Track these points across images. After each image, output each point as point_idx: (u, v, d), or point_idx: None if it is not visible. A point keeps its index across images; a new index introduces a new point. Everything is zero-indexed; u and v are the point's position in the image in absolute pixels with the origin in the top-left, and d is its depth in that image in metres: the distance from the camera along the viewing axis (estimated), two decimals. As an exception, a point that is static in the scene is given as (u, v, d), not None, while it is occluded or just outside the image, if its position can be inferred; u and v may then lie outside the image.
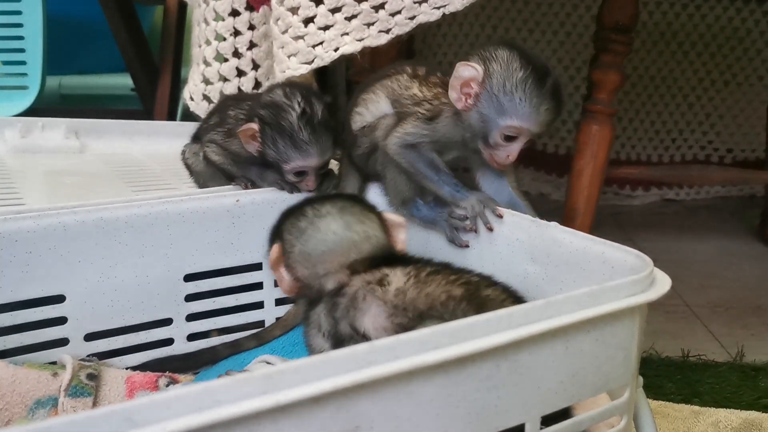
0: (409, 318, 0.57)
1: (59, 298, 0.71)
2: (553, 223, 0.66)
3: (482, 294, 0.59)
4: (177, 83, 1.58)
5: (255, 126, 0.80)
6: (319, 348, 0.63)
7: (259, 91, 0.99)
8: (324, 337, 0.63)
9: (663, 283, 0.51)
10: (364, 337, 0.59)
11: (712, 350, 1.13)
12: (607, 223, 1.88)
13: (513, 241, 0.69)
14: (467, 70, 0.70)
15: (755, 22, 1.98)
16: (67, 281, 0.71)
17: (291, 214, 0.67)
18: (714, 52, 2.02)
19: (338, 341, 0.62)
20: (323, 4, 0.99)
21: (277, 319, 0.83)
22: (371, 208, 0.68)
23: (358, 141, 0.81)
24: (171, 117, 1.55)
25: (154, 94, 1.55)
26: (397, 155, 0.74)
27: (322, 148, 0.80)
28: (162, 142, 1.14)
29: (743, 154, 2.09)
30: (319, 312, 0.64)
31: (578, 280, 0.62)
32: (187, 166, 0.92)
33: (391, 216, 0.68)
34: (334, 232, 0.64)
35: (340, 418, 0.39)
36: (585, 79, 2.04)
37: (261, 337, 0.81)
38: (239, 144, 0.82)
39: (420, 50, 2.01)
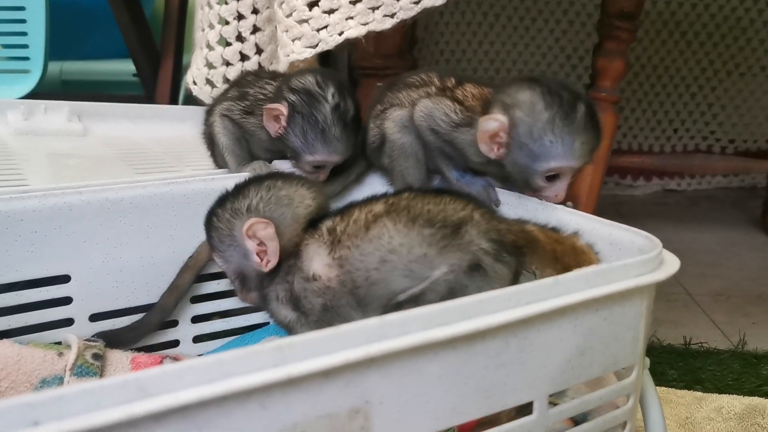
0: (348, 246, 0.61)
1: (64, 278, 0.71)
2: (560, 205, 0.66)
3: (402, 203, 0.61)
4: (179, 68, 1.57)
5: (283, 109, 0.78)
6: (285, 317, 0.65)
7: (286, 73, 0.96)
8: (283, 303, 0.64)
9: (671, 264, 0.51)
10: (314, 280, 0.62)
11: (713, 338, 1.13)
12: (608, 213, 1.86)
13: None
14: (491, 124, 0.68)
15: (759, 11, 1.97)
16: (72, 261, 0.71)
17: (248, 193, 0.67)
18: (717, 41, 2.01)
19: (295, 301, 0.64)
20: (328, -13, 0.99)
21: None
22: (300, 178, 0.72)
23: (370, 133, 0.80)
24: (173, 102, 1.54)
25: (156, 79, 1.55)
26: (421, 120, 0.73)
27: (348, 145, 0.79)
28: (164, 126, 1.14)
29: (745, 145, 2.08)
30: (275, 283, 0.65)
31: (585, 261, 0.62)
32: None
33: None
34: (313, 197, 0.67)
35: (350, 392, 0.39)
36: (587, 68, 2.04)
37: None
38: (256, 123, 0.81)
39: (422, 38, 2.00)
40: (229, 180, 0.78)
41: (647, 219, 1.85)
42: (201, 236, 0.76)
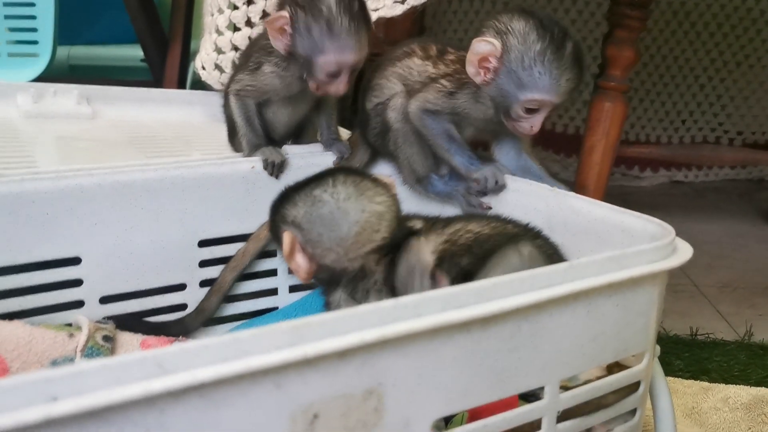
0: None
1: (75, 260, 0.71)
2: (572, 193, 0.66)
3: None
4: (187, 54, 1.57)
5: (286, 14, 0.74)
6: None
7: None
8: None
9: (684, 251, 0.51)
10: None
11: (720, 329, 1.13)
12: (615, 204, 1.87)
13: (531, 210, 0.69)
14: (484, 46, 0.69)
15: (769, 2, 1.96)
16: (83, 243, 0.71)
17: (297, 201, 0.65)
18: (726, 32, 2.00)
19: None
20: (337, -28, 0.98)
21: (291, 287, 0.84)
22: (371, 177, 0.68)
23: (372, 121, 0.80)
24: (181, 87, 1.54)
25: (164, 64, 1.54)
26: (416, 119, 0.74)
27: (360, 41, 0.74)
28: (173, 110, 1.14)
29: (753, 137, 2.07)
30: (339, 297, 0.64)
31: (596, 248, 0.62)
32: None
33: (382, 177, 0.69)
34: (362, 210, 0.63)
35: (364, 373, 0.39)
36: (596, 57, 2.03)
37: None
38: (270, 76, 0.79)
39: (430, 26, 1.99)
40: (239, 165, 0.78)
41: (654, 210, 1.82)
42: (212, 221, 0.77)
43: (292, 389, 0.37)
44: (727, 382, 0.94)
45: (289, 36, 0.75)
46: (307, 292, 0.84)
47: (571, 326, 0.47)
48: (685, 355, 1.02)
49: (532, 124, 0.70)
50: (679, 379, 0.93)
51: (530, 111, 0.70)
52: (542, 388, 0.47)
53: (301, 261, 0.65)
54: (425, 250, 0.60)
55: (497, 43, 0.68)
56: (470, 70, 0.70)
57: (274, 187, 0.78)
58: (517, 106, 0.69)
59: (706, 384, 0.90)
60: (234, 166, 0.78)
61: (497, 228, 0.63)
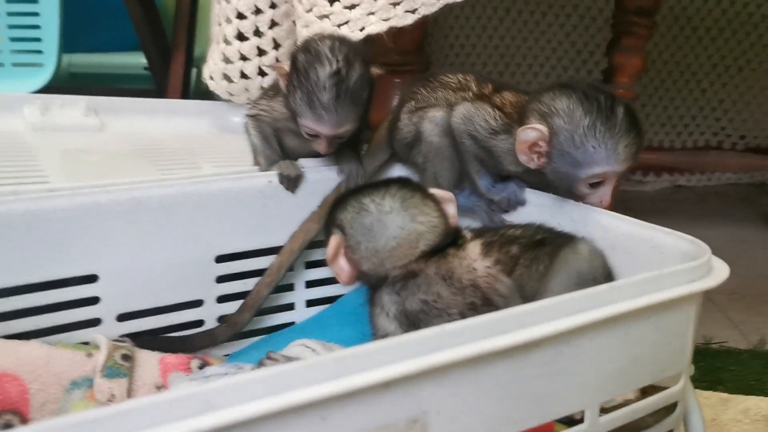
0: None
1: (92, 278, 0.70)
2: (598, 208, 0.65)
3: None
4: (190, 62, 1.56)
5: (285, 65, 0.76)
6: (383, 328, 0.62)
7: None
8: (388, 317, 0.62)
9: (721, 270, 0.50)
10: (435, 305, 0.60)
11: (732, 337, 1.13)
12: (617, 209, 1.86)
13: (554, 225, 0.68)
14: (530, 133, 0.66)
15: (771, 7, 1.96)
16: (99, 261, 0.70)
17: (348, 205, 0.65)
18: (728, 37, 2.00)
19: (407, 318, 0.61)
20: (349, -17, 0.97)
21: (307, 302, 0.83)
22: (425, 191, 0.66)
23: (404, 128, 0.78)
24: (184, 96, 1.53)
25: (167, 73, 1.53)
26: (458, 128, 0.72)
27: (340, 118, 0.74)
28: (180, 121, 1.13)
29: (756, 141, 2.07)
30: (383, 293, 0.63)
31: (624, 265, 0.61)
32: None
33: (440, 192, 0.67)
34: (401, 227, 0.63)
35: (408, 402, 0.39)
36: (597, 63, 2.03)
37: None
38: (281, 108, 0.80)
39: (431, 32, 1.99)
40: (255, 179, 0.77)
41: (657, 215, 1.82)
42: (229, 236, 0.76)
43: (338, 421, 0.36)
44: (742, 391, 0.93)
45: (285, 85, 0.77)
46: (324, 306, 0.83)
47: (610, 349, 0.46)
48: (700, 364, 1.01)
49: (601, 198, 0.68)
50: (697, 390, 0.92)
51: (595, 185, 0.67)
52: (580, 412, 0.46)
53: (343, 265, 0.65)
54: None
55: (543, 128, 0.66)
56: (522, 158, 0.68)
57: (291, 202, 0.78)
58: (579, 184, 0.67)
59: (725, 395, 0.90)
60: (251, 180, 0.77)
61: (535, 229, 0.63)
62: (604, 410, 0.48)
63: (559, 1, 1.97)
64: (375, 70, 0.78)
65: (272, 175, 0.78)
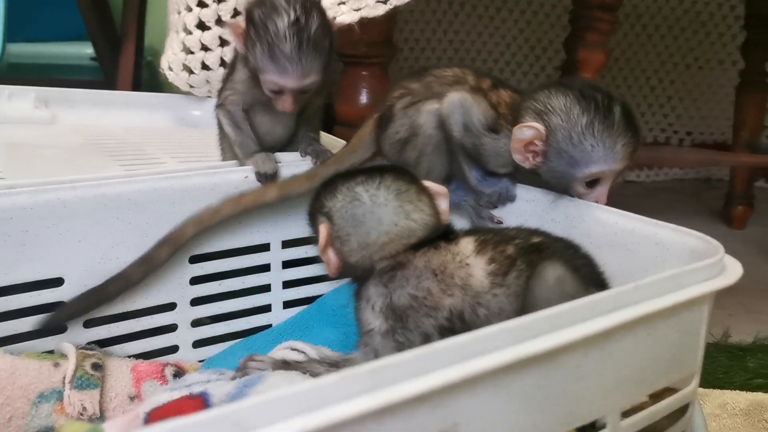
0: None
1: (57, 281, 0.65)
2: (594, 203, 0.64)
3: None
4: (140, 51, 1.49)
5: (242, 24, 0.73)
6: (369, 323, 0.59)
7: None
8: (374, 310, 0.59)
9: (735, 267, 0.49)
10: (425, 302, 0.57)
11: (696, 331, 1.14)
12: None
13: (548, 221, 0.66)
14: (527, 132, 0.64)
15: (718, 5, 2.00)
16: (65, 262, 0.65)
17: (338, 192, 0.61)
18: (677, 34, 2.04)
19: (394, 313, 0.58)
20: (320, -30, 0.94)
21: (285, 302, 0.79)
22: (420, 184, 0.63)
23: (397, 122, 0.74)
24: (135, 87, 1.46)
25: (116, 63, 1.46)
26: (454, 110, 0.69)
27: (305, 68, 0.71)
28: (137, 114, 1.07)
29: (701, 137, 2.12)
30: (370, 286, 0.60)
31: (625, 263, 0.60)
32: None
33: (434, 186, 0.64)
34: (395, 223, 0.59)
35: (439, 414, 0.36)
36: (550, 59, 2.04)
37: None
38: (243, 80, 0.77)
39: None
40: (231, 174, 0.73)
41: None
42: (203, 236, 0.72)
43: (370, 438, 0.33)
44: (711, 385, 0.93)
45: (243, 45, 0.74)
46: (303, 307, 0.79)
47: (633, 350, 0.44)
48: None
49: (597, 197, 0.66)
50: (672, 385, 0.92)
51: (591, 184, 0.66)
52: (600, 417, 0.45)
53: (332, 255, 0.61)
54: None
55: (539, 126, 0.64)
56: (517, 157, 0.66)
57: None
58: (575, 183, 0.65)
59: (701, 390, 0.90)
60: (226, 176, 0.73)
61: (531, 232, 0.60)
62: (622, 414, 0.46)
63: (513, -4, 1.98)
64: (335, 23, 0.76)
65: (248, 171, 0.74)
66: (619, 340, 0.43)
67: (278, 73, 0.72)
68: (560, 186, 0.67)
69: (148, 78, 1.61)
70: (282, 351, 0.64)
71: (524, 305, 0.53)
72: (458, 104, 0.68)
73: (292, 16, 0.70)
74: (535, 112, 0.66)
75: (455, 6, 1.97)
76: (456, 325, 0.56)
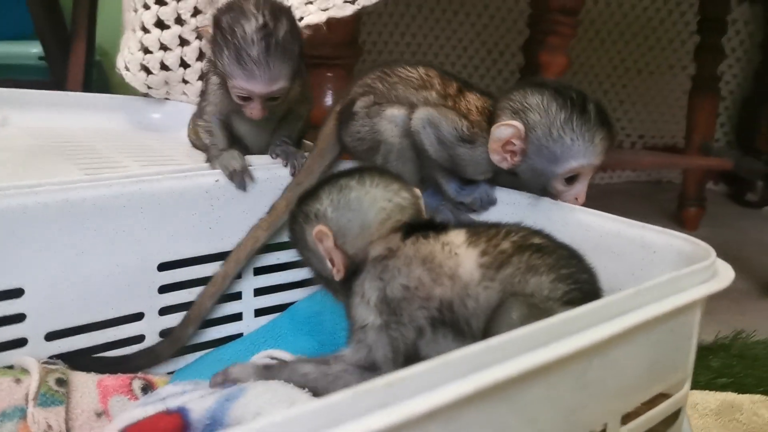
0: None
1: (17, 292, 0.62)
2: (578, 206, 0.63)
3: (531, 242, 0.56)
4: (92, 51, 1.44)
5: (209, 29, 0.71)
6: (362, 319, 0.56)
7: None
8: (369, 306, 0.56)
9: (726, 270, 0.49)
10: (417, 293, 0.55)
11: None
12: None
13: (530, 225, 0.65)
14: (505, 130, 0.64)
15: (668, 12, 2.05)
16: (26, 272, 0.62)
17: (321, 194, 0.60)
18: (628, 40, 2.08)
19: (388, 306, 0.56)
20: (286, -32, 0.92)
21: (256, 311, 0.76)
22: (398, 176, 0.63)
23: (358, 122, 0.72)
24: (86, 88, 1.41)
25: (66, 63, 1.41)
26: (424, 127, 0.68)
27: (273, 73, 0.70)
28: (94, 117, 1.03)
29: (653, 140, 2.17)
30: (365, 281, 0.58)
31: (610, 265, 0.59)
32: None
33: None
34: (388, 199, 0.59)
35: (452, 428, 0.34)
36: (507, 62, 2.05)
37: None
38: (216, 88, 0.76)
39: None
40: (201, 178, 0.71)
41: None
42: (173, 241, 0.69)
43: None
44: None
45: (211, 51, 0.72)
46: (275, 315, 0.77)
47: (633, 356, 0.44)
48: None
49: (576, 194, 0.66)
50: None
51: (570, 181, 0.65)
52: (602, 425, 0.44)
53: (337, 253, 0.59)
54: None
55: (518, 124, 0.64)
56: (495, 158, 0.65)
57: (240, 203, 0.72)
58: (555, 180, 0.65)
59: (670, 391, 0.91)
60: (196, 179, 0.70)
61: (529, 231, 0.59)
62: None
63: (469, 0, 1.98)
64: (304, 30, 0.75)
65: (219, 174, 0.71)
66: (621, 346, 0.42)
67: (245, 79, 0.70)
68: (539, 185, 0.66)
69: (97, 78, 1.55)
70: (264, 360, 0.62)
71: (486, 331, 0.52)
72: (427, 121, 0.67)
73: (261, 21, 0.69)
74: (512, 110, 0.65)
75: (412, 9, 1.97)
76: (446, 316, 0.55)
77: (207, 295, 0.72)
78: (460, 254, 0.56)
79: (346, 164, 0.78)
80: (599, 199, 2.23)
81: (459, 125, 0.67)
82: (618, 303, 0.41)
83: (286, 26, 0.70)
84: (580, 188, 0.66)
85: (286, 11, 0.73)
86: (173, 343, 0.70)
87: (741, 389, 0.93)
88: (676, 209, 1.78)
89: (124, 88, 1.10)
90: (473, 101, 0.70)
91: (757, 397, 0.88)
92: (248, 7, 0.70)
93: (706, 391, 0.91)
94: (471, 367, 0.34)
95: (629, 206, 1.97)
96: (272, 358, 0.61)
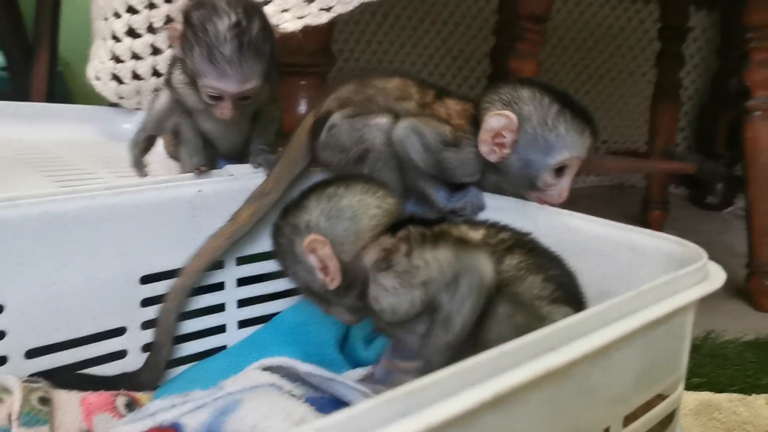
0: None
1: (-3, 309, 0.60)
2: (564, 210, 0.64)
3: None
4: (55, 60, 1.41)
5: (178, 27, 0.70)
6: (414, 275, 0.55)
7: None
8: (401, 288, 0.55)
9: (718, 271, 0.50)
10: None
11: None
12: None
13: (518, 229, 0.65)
14: (498, 120, 0.64)
15: (628, 19, 2.09)
16: (5, 288, 0.60)
17: (308, 203, 0.59)
18: (590, 47, 2.11)
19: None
20: (261, -24, 0.91)
21: (240, 322, 0.75)
22: (382, 183, 0.64)
23: (342, 137, 0.70)
24: (50, 98, 1.38)
25: (28, 72, 1.38)
26: (404, 139, 0.67)
27: (245, 72, 0.69)
28: (64, 127, 1.01)
29: (615, 146, 2.20)
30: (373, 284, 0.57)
31: (598, 269, 0.59)
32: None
33: None
34: (378, 206, 0.59)
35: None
36: (473, 69, 2.07)
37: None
38: (181, 85, 0.74)
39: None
40: (183, 188, 0.69)
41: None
42: (156, 253, 0.68)
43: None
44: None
45: (180, 49, 0.71)
46: (258, 326, 0.76)
47: (633, 358, 0.44)
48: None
49: (561, 189, 0.67)
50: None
51: (558, 174, 0.66)
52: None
53: (333, 262, 0.58)
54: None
55: (511, 114, 0.64)
56: (483, 149, 0.66)
57: (222, 213, 0.71)
58: (545, 172, 0.65)
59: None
60: (177, 190, 0.69)
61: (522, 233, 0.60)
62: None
63: (435, 8, 1.99)
64: (278, 29, 0.75)
65: (202, 184, 0.70)
66: (623, 348, 0.43)
67: (217, 78, 0.69)
68: (526, 179, 0.66)
69: (59, 89, 1.52)
70: (254, 372, 0.60)
71: (479, 339, 0.53)
72: (410, 129, 0.67)
73: (234, 19, 0.68)
74: (503, 102, 0.66)
75: (378, 17, 1.97)
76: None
77: (166, 313, 0.69)
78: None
79: (317, 175, 0.77)
80: (566, 204, 2.24)
81: (442, 130, 0.68)
82: (620, 306, 0.41)
83: (258, 24, 0.70)
84: (566, 182, 0.67)
85: (259, 9, 0.73)
86: (153, 371, 0.68)
87: (714, 388, 0.95)
88: (640, 213, 1.81)
89: (87, 98, 1.08)
90: (452, 106, 0.70)
91: (734, 395, 0.90)
92: (220, 4, 0.68)
93: (686, 391, 0.92)
94: (487, 372, 0.34)
95: (595, 211, 1.96)
96: (266, 368, 0.60)
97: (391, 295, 0.56)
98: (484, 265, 0.53)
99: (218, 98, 0.71)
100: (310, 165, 0.77)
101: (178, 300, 0.70)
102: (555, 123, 0.64)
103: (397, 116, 0.69)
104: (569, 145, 0.64)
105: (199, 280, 0.72)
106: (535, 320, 0.51)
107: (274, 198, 0.73)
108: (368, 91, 0.72)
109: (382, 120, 0.69)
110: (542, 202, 0.67)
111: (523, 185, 0.67)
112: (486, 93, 0.69)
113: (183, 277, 0.70)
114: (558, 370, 0.37)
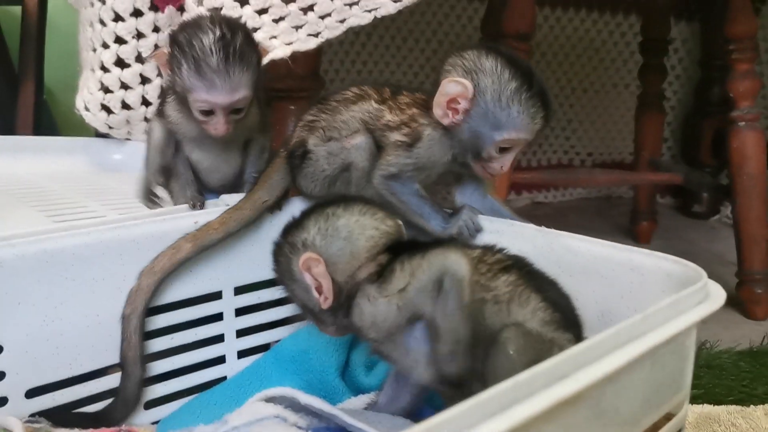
0: None
1: (-5, 350, 0.59)
2: (563, 232, 0.64)
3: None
4: (41, 91, 1.40)
5: (165, 50, 0.72)
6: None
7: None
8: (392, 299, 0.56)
9: (717, 290, 0.50)
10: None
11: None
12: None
13: (515, 252, 0.65)
14: (454, 87, 0.65)
15: (610, 33, 2.11)
16: (4, 328, 0.59)
17: (307, 223, 0.60)
18: (574, 61, 2.13)
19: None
20: (249, 4, 0.91)
21: (239, 352, 0.75)
22: (377, 204, 0.64)
23: (321, 161, 0.72)
24: (36, 130, 1.37)
25: (13, 103, 1.37)
26: (382, 188, 0.68)
27: (234, 81, 0.70)
28: (53, 160, 1.00)
29: (601, 157, 2.22)
30: (360, 296, 0.58)
31: (599, 289, 0.60)
32: None
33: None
34: (375, 228, 0.60)
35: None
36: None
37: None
38: (174, 113, 0.76)
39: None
40: (180, 220, 0.69)
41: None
42: (153, 286, 0.67)
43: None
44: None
45: (169, 69, 0.73)
46: (258, 356, 0.75)
47: (640, 380, 0.44)
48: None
49: (503, 164, 0.68)
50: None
51: (503, 150, 0.67)
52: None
53: (326, 281, 0.58)
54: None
55: (468, 83, 0.65)
56: (437, 112, 0.66)
57: (222, 243, 0.70)
58: (491, 146, 0.66)
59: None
60: (175, 222, 0.68)
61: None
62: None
63: (419, 27, 2.01)
64: (266, 52, 0.78)
65: (198, 215, 0.70)
66: (631, 371, 0.43)
67: (206, 90, 0.70)
68: (473, 149, 0.67)
69: (44, 118, 1.51)
70: (257, 404, 0.60)
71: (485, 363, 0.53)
72: (381, 179, 0.69)
73: (218, 33, 0.70)
74: (464, 69, 0.66)
75: (362, 36, 1.98)
76: None
77: (126, 319, 0.66)
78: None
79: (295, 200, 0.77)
80: (554, 216, 2.26)
81: (399, 142, 0.69)
82: (628, 330, 0.41)
83: (242, 36, 0.72)
84: (509, 158, 0.68)
85: (242, 25, 0.76)
86: (125, 403, 0.66)
87: (712, 399, 0.95)
88: (629, 223, 1.83)
89: (71, 126, 1.08)
90: (408, 97, 0.72)
91: (732, 407, 0.90)
92: (204, 23, 0.71)
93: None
94: (501, 405, 0.34)
95: (583, 222, 2.01)
96: (268, 398, 0.59)
97: (371, 305, 0.57)
98: (457, 260, 0.54)
99: (210, 113, 0.72)
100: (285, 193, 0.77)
101: (140, 304, 0.66)
102: (509, 102, 0.64)
103: (368, 130, 0.70)
104: (518, 126, 0.65)
105: (160, 281, 0.68)
106: (543, 347, 0.51)
107: (248, 216, 0.73)
108: (330, 106, 0.73)
109: (358, 140, 0.70)
110: (484, 172, 0.69)
111: (468, 152, 0.68)
112: (451, 54, 0.69)
113: (144, 277, 0.67)
114: (570, 398, 0.37)
